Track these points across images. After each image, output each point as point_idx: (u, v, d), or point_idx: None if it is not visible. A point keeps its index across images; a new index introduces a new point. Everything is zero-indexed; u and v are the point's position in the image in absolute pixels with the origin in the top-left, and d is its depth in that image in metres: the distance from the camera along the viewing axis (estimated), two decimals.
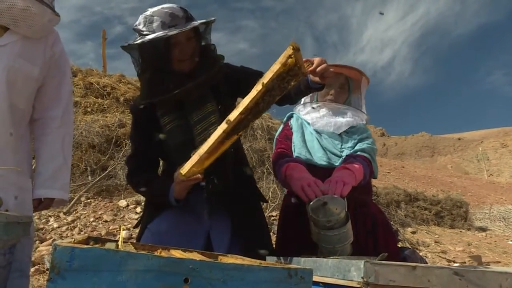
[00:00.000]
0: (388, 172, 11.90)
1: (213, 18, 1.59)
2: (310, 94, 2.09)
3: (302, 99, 2.11)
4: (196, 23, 1.52)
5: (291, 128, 2.06)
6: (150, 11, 1.51)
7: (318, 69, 1.42)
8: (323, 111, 2.00)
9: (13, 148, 1.44)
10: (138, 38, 1.51)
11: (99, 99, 6.93)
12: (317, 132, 1.98)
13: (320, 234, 1.40)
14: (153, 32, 1.47)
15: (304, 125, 2.04)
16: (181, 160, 1.52)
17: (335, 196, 1.49)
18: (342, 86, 2.03)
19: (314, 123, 1.98)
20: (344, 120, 1.96)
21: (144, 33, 1.49)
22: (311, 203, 1.48)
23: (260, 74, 1.59)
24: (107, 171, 5.10)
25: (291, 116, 2.14)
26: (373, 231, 1.69)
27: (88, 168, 5.24)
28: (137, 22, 1.54)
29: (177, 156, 1.57)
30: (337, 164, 1.86)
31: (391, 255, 1.42)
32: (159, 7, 1.51)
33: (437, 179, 13.58)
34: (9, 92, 1.39)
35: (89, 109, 6.63)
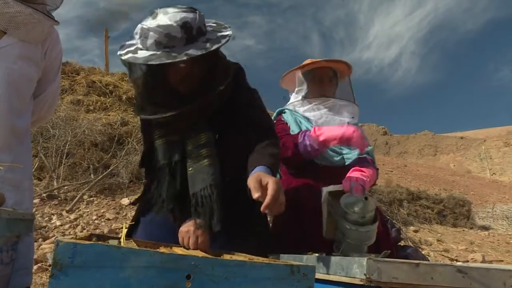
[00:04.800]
0: (391, 171, 11.88)
1: (219, 44, 1.35)
2: (300, 88, 2.13)
3: (297, 95, 2.13)
4: (192, 53, 1.30)
5: (285, 122, 2.07)
6: (147, 24, 1.33)
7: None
8: (323, 110, 2.02)
9: (13, 150, 1.44)
10: (129, 51, 1.36)
11: (101, 97, 6.95)
12: None
13: (351, 229, 1.41)
14: (146, 49, 1.33)
15: (299, 121, 2.06)
16: (163, 179, 1.45)
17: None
18: (330, 79, 2.08)
19: (316, 121, 1.99)
20: (345, 120, 1.98)
21: (139, 45, 1.36)
22: (343, 196, 1.50)
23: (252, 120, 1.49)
24: (109, 169, 5.10)
25: (282, 112, 2.15)
26: None
27: (91, 166, 5.25)
28: (135, 30, 1.38)
29: (160, 175, 1.48)
30: (336, 159, 1.89)
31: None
32: (157, 22, 1.31)
33: (440, 177, 13.55)
34: (9, 93, 1.39)
35: (91, 108, 6.65)
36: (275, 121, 2.12)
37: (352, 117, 2.00)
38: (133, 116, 6.32)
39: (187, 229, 1.32)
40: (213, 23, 1.49)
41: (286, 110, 2.13)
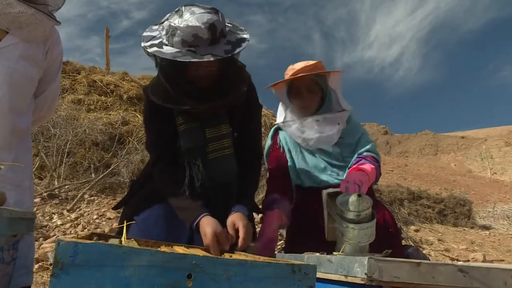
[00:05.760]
0: (392, 170, 11.87)
1: (241, 48, 1.45)
2: (284, 108, 2.05)
3: (280, 109, 2.06)
4: (218, 54, 1.39)
5: (280, 147, 2.02)
6: (175, 22, 1.39)
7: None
8: (308, 130, 1.92)
9: (14, 149, 1.45)
10: (153, 45, 1.43)
11: (102, 96, 6.95)
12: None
13: (348, 228, 1.41)
14: (172, 45, 1.40)
15: (294, 145, 1.99)
16: (187, 163, 1.53)
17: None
18: (310, 89, 1.95)
19: (306, 145, 1.94)
20: (335, 131, 1.91)
21: (164, 41, 1.43)
22: (339, 196, 1.51)
23: (254, 137, 1.72)
24: (110, 169, 5.10)
25: (278, 129, 2.08)
26: (379, 230, 1.69)
27: (92, 165, 5.24)
28: (162, 26, 1.45)
29: (183, 159, 1.56)
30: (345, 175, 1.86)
31: (396, 253, 1.43)
32: (185, 23, 1.37)
33: (441, 177, 13.54)
34: (11, 93, 1.40)
35: (92, 107, 6.65)
36: (271, 143, 2.07)
37: (338, 124, 1.92)
38: (134, 116, 6.32)
39: (211, 231, 1.35)
40: (228, 23, 1.55)
41: (281, 131, 2.06)
